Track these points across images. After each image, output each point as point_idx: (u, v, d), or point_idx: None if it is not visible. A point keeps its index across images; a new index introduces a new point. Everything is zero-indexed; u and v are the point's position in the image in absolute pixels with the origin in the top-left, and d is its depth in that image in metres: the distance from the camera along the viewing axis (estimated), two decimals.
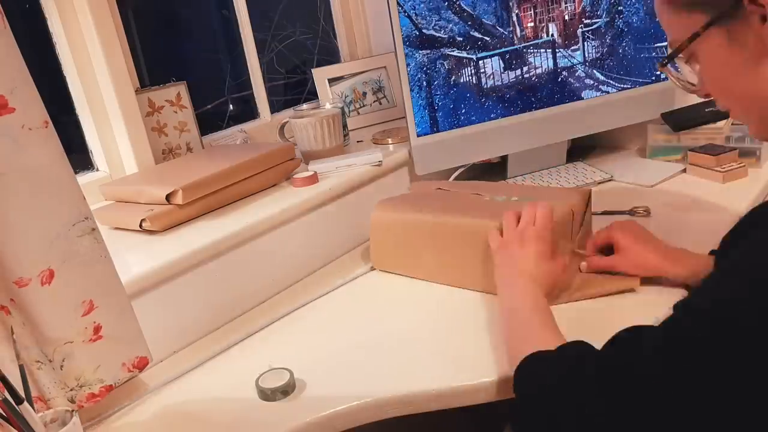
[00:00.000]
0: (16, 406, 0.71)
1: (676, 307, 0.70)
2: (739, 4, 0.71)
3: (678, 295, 1.03)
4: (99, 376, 0.90)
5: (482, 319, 1.06)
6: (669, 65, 0.83)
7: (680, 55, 0.79)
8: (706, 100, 0.91)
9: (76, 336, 0.86)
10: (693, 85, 0.83)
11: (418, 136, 1.48)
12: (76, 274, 0.85)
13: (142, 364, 0.95)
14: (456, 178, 1.50)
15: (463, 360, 0.97)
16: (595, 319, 1.01)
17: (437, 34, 1.43)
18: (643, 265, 1.05)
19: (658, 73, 1.58)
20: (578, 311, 1.03)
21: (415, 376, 0.95)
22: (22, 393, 0.71)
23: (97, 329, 0.88)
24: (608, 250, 1.11)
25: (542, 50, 1.51)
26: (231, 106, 1.80)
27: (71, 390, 0.88)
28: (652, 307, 1.00)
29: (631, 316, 1.00)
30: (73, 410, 0.80)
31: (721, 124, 1.50)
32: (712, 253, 1.03)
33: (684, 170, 1.53)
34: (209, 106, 1.75)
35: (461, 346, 1.01)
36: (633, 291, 1.05)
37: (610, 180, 1.55)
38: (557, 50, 1.52)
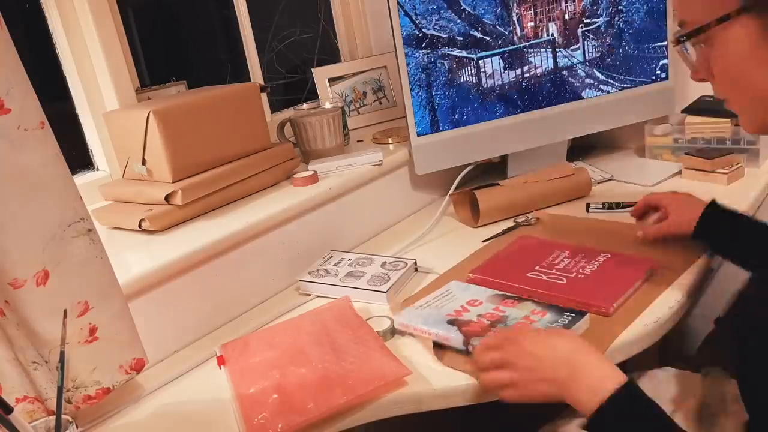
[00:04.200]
0: (5, 416, 0.70)
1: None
2: None
3: (678, 294, 1.03)
4: (95, 378, 0.90)
5: None
6: (684, 44, 0.78)
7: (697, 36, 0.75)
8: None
9: (71, 337, 0.86)
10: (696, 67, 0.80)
11: (418, 135, 1.47)
12: (71, 275, 0.85)
13: (139, 366, 0.95)
14: (462, 179, 1.50)
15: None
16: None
17: (437, 34, 1.43)
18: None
19: (658, 72, 1.58)
20: None
21: (416, 375, 0.95)
22: (11, 403, 0.71)
23: (92, 330, 0.88)
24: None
25: (542, 50, 1.50)
26: None
27: (68, 391, 0.88)
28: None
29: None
30: (71, 419, 0.80)
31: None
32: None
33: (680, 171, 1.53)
34: None
35: None
36: None
37: (610, 180, 1.55)
38: (557, 50, 1.51)
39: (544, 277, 1.12)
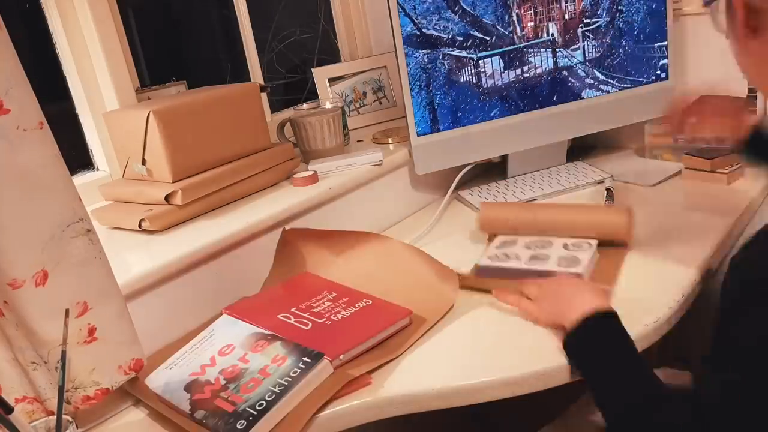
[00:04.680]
0: (6, 416, 0.70)
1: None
2: None
3: (678, 294, 1.03)
4: (94, 379, 0.90)
5: (483, 319, 1.06)
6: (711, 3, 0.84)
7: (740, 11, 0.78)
8: None
9: (70, 338, 0.86)
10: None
11: (418, 135, 1.47)
12: (70, 276, 0.85)
13: (138, 366, 0.95)
14: (461, 179, 1.50)
15: (463, 359, 0.97)
16: None
17: (437, 34, 1.43)
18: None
19: (658, 72, 1.58)
20: None
21: (416, 375, 0.95)
22: (11, 403, 0.71)
23: (91, 331, 0.88)
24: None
25: (542, 50, 1.50)
26: None
27: (67, 392, 0.88)
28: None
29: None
30: (71, 419, 0.80)
31: None
32: None
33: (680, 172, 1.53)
34: None
35: (461, 346, 1.01)
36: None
37: (610, 179, 1.55)
38: (557, 50, 1.51)
39: (292, 320, 1.08)
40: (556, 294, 1.00)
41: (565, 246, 1.20)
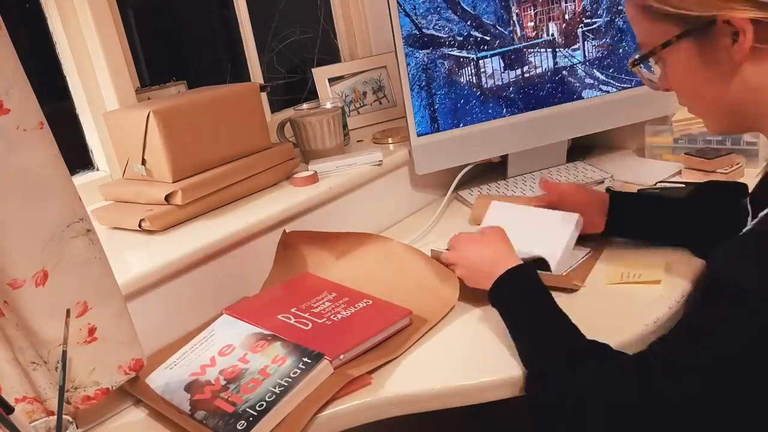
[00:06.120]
0: (6, 416, 0.70)
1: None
2: (713, 23, 0.76)
3: (677, 294, 1.03)
4: (94, 379, 0.90)
5: (483, 319, 1.06)
6: (639, 65, 0.89)
7: (650, 58, 0.86)
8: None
9: (70, 338, 0.86)
10: (655, 83, 0.91)
11: (418, 135, 1.47)
12: (70, 276, 0.85)
13: (138, 366, 0.95)
14: (461, 179, 1.50)
15: (463, 359, 0.97)
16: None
17: (437, 34, 1.43)
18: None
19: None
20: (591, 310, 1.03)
21: (416, 375, 0.95)
22: (11, 403, 0.71)
23: (91, 331, 0.88)
24: None
25: (542, 50, 1.50)
26: None
27: (67, 392, 0.88)
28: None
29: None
30: (71, 419, 0.80)
31: None
32: None
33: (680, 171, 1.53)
34: None
35: (461, 346, 1.01)
36: None
37: (610, 179, 1.55)
38: (557, 50, 1.51)
39: (292, 320, 1.08)
40: (464, 260, 1.09)
41: None
